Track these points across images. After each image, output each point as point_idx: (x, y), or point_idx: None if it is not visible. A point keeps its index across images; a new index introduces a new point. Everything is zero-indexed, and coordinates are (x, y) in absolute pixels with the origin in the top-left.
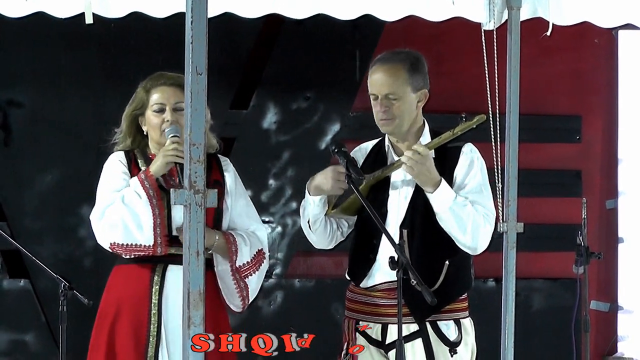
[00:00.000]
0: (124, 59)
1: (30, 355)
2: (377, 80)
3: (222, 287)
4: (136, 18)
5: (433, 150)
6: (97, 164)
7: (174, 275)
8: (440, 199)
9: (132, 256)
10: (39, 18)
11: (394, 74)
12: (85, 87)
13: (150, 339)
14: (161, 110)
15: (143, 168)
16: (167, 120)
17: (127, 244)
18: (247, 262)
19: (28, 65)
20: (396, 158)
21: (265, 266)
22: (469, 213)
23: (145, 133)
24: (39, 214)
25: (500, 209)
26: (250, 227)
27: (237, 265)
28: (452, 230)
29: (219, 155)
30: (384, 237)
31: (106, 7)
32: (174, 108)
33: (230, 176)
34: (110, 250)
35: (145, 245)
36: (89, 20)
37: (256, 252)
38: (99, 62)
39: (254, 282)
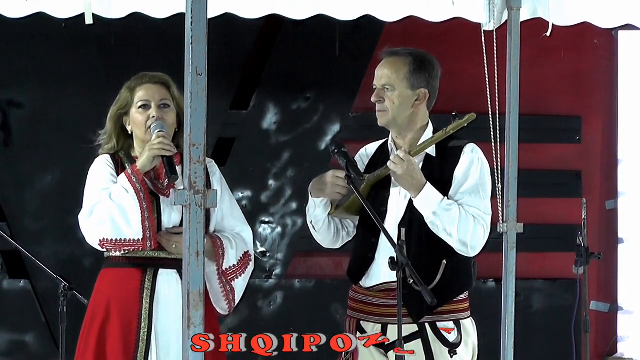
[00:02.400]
0: (124, 59)
1: (30, 355)
2: (378, 71)
3: (209, 289)
4: (136, 19)
5: (433, 149)
6: None
7: (165, 279)
8: (424, 203)
9: (122, 252)
10: (39, 18)
11: (394, 67)
12: (85, 88)
13: (140, 344)
14: (146, 107)
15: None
16: (153, 117)
17: (116, 239)
18: (234, 265)
19: (28, 65)
20: None
21: (251, 268)
22: (455, 216)
23: (130, 133)
24: (39, 214)
25: (500, 209)
26: (235, 228)
27: (223, 268)
28: (440, 233)
29: None
30: (382, 236)
31: (106, 7)
32: (159, 105)
33: (217, 178)
34: (100, 248)
35: (134, 240)
36: (89, 20)
37: (242, 255)
38: (99, 63)
39: (240, 285)
